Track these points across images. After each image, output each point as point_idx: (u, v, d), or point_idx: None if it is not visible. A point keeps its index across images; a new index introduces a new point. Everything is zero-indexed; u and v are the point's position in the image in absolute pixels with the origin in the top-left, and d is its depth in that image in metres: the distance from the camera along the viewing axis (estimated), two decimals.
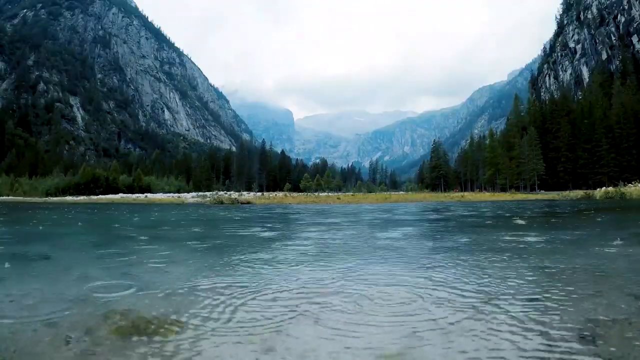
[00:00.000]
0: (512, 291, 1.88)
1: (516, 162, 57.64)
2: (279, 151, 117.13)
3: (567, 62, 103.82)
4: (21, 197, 46.25)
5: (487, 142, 68.18)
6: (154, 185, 61.11)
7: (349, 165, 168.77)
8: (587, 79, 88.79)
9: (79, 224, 8.26)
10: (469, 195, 33.05)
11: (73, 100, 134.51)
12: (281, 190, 69.30)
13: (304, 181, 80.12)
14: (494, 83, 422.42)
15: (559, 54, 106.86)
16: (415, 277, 2.26)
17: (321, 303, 1.72)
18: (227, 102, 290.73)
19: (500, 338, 1.27)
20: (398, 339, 1.28)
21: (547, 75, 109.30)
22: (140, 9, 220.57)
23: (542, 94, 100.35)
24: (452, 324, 1.41)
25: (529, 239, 4.06)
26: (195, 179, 76.92)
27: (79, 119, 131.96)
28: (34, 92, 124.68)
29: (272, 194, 37.47)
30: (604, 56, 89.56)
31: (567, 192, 33.92)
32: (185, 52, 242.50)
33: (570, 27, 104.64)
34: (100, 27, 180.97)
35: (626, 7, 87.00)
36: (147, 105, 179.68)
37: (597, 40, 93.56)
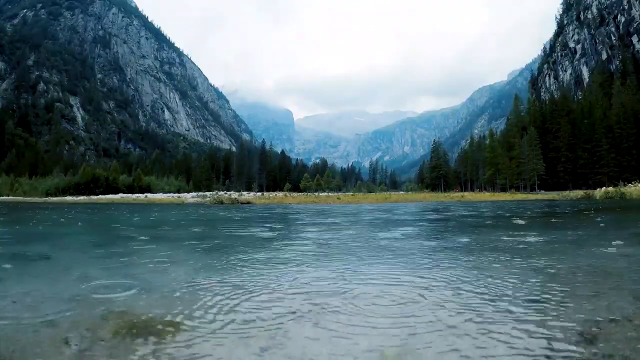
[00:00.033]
0: (512, 291, 1.88)
1: (516, 162, 57.65)
2: (279, 151, 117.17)
3: (567, 62, 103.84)
4: (21, 197, 46.25)
5: (487, 142, 68.19)
6: (154, 185, 61.13)
7: (349, 165, 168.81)
8: (587, 79, 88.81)
9: (79, 224, 8.26)
10: (469, 195, 33.05)
11: (73, 100, 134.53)
12: (281, 190, 69.31)
13: (304, 181, 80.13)
14: (494, 83, 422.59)
15: (559, 54, 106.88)
16: (415, 277, 2.26)
17: (321, 304, 1.72)
18: (227, 102, 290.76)
19: (500, 338, 1.27)
20: (398, 340, 1.27)
21: (547, 75, 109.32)
22: (140, 9, 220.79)
23: (542, 94, 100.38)
24: (452, 324, 1.41)
25: (529, 239, 4.06)
26: (195, 179, 76.93)
27: (79, 119, 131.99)
28: (34, 92, 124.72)
29: (272, 194, 37.48)
30: (604, 56, 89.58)
31: (567, 192, 33.92)
32: (185, 52, 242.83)
33: (570, 27, 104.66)
34: (100, 27, 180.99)
35: (626, 7, 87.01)
36: (147, 105, 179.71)
37: (597, 40, 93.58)
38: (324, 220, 8.16)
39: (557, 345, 1.21)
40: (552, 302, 1.67)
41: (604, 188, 23.94)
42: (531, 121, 60.22)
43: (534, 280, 2.13)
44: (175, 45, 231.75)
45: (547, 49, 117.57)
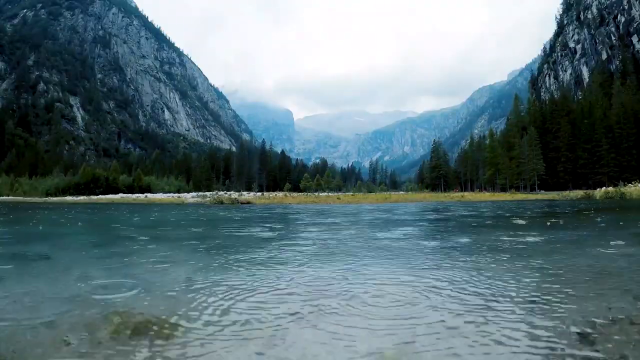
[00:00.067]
0: (512, 291, 1.88)
1: (516, 162, 57.66)
2: (279, 151, 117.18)
3: (567, 62, 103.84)
4: (21, 197, 46.27)
5: (487, 142, 68.19)
6: (154, 185, 61.13)
7: (349, 165, 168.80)
8: (587, 79, 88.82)
9: (79, 224, 8.26)
10: (469, 195, 33.05)
11: (73, 100, 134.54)
12: (281, 190, 69.31)
13: (304, 181, 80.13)
14: (494, 83, 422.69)
15: (559, 54, 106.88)
16: (414, 278, 2.26)
17: (320, 305, 1.72)
18: (227, 102, 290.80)
19: (500, 340, 1.27)
20: (397, 342, 1.27)
21: (547, 75, 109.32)
22: (140, 9, 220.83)
23: (542, 94, 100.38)
24: (451, 326, 1.41)
25: (529, 239, 4.06)
26: (195, 179, 76.94)
27: (79, 119, 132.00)
28: (34, 92, 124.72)
29: (272, 194, 37.48)
30: (604, 56, 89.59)
31: (567, 192, 33.93)
32: (185, 52, 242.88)
33: (570, 27, 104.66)
34: (100, 27, 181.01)
35: (626, 7, 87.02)
36: (147, 105, 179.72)
37: (597, 40, 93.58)
38: (323, 220, 8.16)
39: (557, 345, 1.21)
40: (552, 303, 1.67)
41: (604, 188, 23.93)
42: (531, 121, 60.22)
43: (533, 281, 2.13)
44: (175, 45, 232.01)
45: (547, 49, 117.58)
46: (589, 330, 1.32)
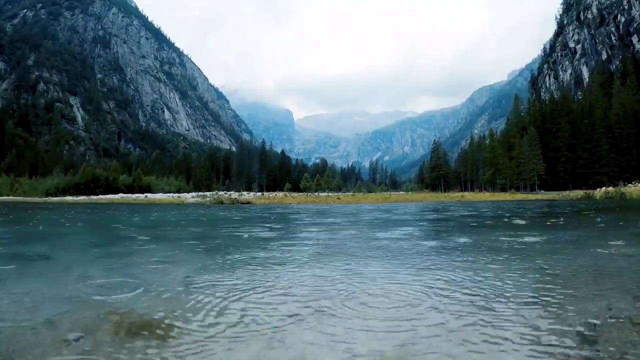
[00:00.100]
0: (512, 292, 1.88)
1: (516, 162, 57.65)
2: (279, 151, 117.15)
3: (567, 62, 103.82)
4: (21, 197, 46.26)
5: (487, 142, 68.18)
6: (154, 185, 61.12)
7: (349, 165, 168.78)
8: (587, 79, 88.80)
9: (79, 224, 8.26)
10: (469, 195, 33.05)
11: (73, 100, 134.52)
12: (281, 190, 69.30)
13: (304, 181, 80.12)
14: (494, 83, 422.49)
15: (559, 54, 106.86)
16: (414, 278, 2.26)
17: (320, 305, 1.72)
18: (227, 102, 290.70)
19: (500, 339, 1.27)
20: (397, 343, 1.27)
21: (547, 75, 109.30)
22: (140, 9, 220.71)
23: (542, 94, 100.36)
24: (451, 327, 1.41)
25: (529, 239, 4.06)
26: (195, 179, 76.93)
27: (79, 119, 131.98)
28: (34, 92, 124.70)
29: (272, 194, 37.48)
30: (604, 56, 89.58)
31: (567, 192, 33.92)
32: (185, 52, 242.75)
33: (570, 27, 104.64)
34: (100, 27, 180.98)
35: (626, 7, 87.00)
36: (147, 105, 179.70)
37: (597, 40, 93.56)
38: (323, 220, 8.16)
39: (558, 345, 1.21)
40: (552, 303, 1.67)
41: (604, 188, 23.92)
42: (531, 121, 60.21)
43: (533, 281, 2.13)
44: (175, 45, 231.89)
45: (547, 49, 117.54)
46: (589, 331, 1.32)
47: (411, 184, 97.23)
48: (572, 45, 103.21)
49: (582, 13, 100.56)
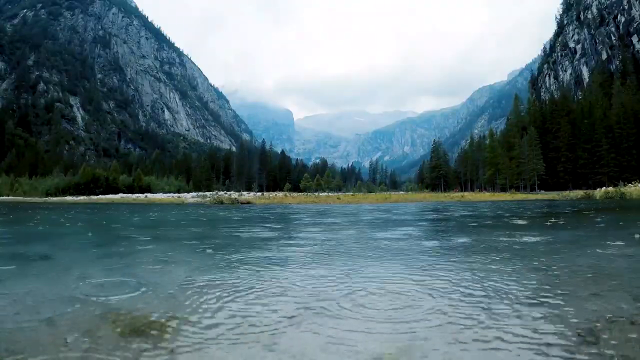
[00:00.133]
0: (512, 292, 1.88)
1: (516, 162, 57.67)
2: (279, 151, 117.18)
3: (567, 62, 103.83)
4: (21, 197, 46.27)
5: (487, 142, 68.21)
6: (154, 185, 61.13)
7: (349, 165, 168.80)
8: (587, 79, 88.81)
9: (79, 224, 8.26)
10: (469, 195, 33.05)
11: (73, 100, 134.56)
12: (281, 190, 69.30)
13: (304, 181, 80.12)
14: (494, 83, 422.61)
15: (559, 54, 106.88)
16: (414, 278, 2.26)
17: (319, 306, 1.72)
18: (227, 102, 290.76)
19: (500, 338, 1.27)
20: (397, 344, 1.27)
21: (547, 75, 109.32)
22: (140, 9, 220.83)
23: (542, 94, 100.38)
24: (452, 328, 1.41)
25: (529, 239, 4.06)
26: (195, 179, 76.95)
27: (79, 119, 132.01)
28: (34, 92, 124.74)
29: (272, 194, 37.47)
30: (604, 56, 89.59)
31: (567, 192, 33.92)
32: (185, 52, 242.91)
33: (570, 27, 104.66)
34: (100, 27, 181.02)
35: (626, 7, 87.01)
36: (147, 105, 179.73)
37: (597, 40, 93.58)
38: (323, 220, 8.16)
39: (558, 346, 1.21)
40: (552, 303, 1.67)
41: (604, 188, 23.92)
42: (531, 121, 60.23)
43: (533, 281, 2.13)
44: (175, 45, 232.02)
45: (547, 49, 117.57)
46: (589, 331, 1.32)
47: (411, 184, 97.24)
48: (572, 45, 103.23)
49: (582, 13, 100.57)
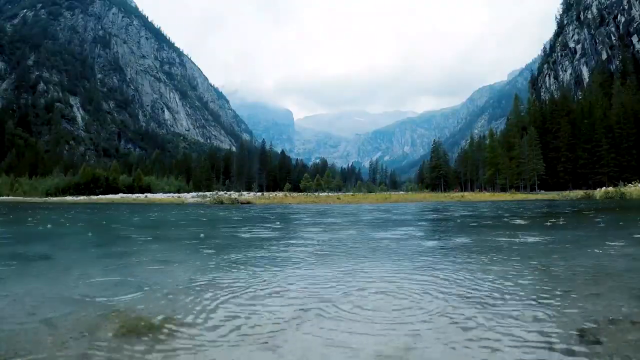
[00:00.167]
0: (512, 292, 1.88)
1: (516, 162, 57.66)
2: (279, 151, 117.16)
3: (567, 62, 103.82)
4: (21, 197, 46.26)
5: (487, 142, 68.19)
6: (154, 185, 61.12)
7: (349, 165, 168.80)
8: (587, 79, 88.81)
9: (79, 224, 8.26)
10: (469, 195, 33.05)
11: (73, 100, 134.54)
12: (281, 190, 69.30)
13: (304, 181, 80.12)
14: (494, 83, 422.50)
15: (559, 54, 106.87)
16: (414, 278, 2.26)
17: (319, 307, 1.72)
18: (227, 102, 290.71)
19: (500, 338, 1.27)
20: (397, 344, 1.27)
21: (547, 75, 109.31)
22: (140, 9, 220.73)
23: (542, 94, 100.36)
24: (452, 328, 1.41)
25: (529, 239, 4.06)
26: (195, 179, 76.94)
27: (79, 119, 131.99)
28: (34, 92, 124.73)
29: (272, 194, 37.47)
30: (604, 56, 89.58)
31: (567, 192, 33.91)
32: (185, 52, 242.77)
33: (570, 27, 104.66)
34: (100, 27, 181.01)
35: (626, 7, 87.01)
36: (147, 105, 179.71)
37: (597, 40, 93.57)
38: (323, 220, 8.16)
39: (558, 346, 1.21)
40: (553, 303, 1.67)
41: (604, 188, 23.92)
42: (531, 121, 60.22)
43: (534, 281, 2.13)
44: (175, 45, 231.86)
45: (547, 49, 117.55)
46: (589, 330, 1.32)
47: (411, 184, 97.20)
48: (572, 45, 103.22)
49: (582, 13, 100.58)
